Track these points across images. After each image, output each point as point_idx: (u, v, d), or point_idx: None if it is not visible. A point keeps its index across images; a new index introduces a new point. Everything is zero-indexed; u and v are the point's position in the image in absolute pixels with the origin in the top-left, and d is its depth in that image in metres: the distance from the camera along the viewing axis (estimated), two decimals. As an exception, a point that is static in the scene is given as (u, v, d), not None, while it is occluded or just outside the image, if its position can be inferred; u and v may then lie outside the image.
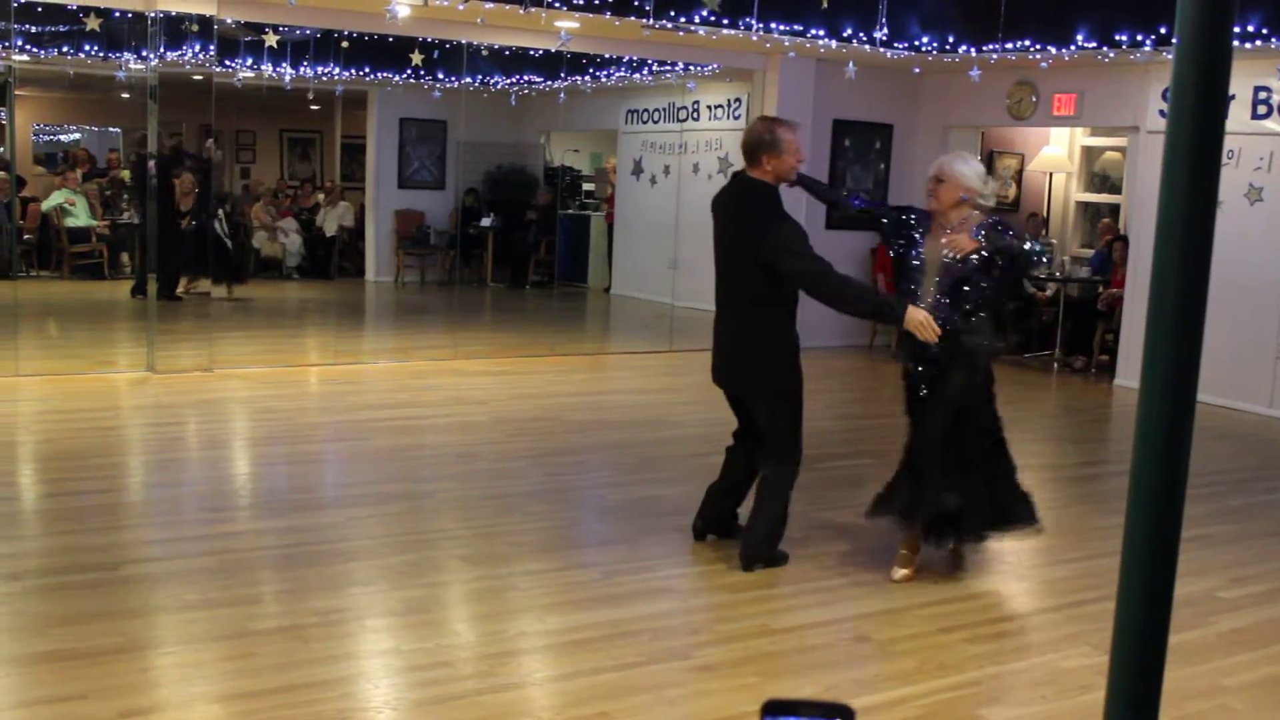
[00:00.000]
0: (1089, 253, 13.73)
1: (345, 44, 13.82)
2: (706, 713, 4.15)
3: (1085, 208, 14.62)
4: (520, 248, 17.73)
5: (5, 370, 9.68)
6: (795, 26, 10.61)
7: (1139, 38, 10.07)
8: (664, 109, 15.92)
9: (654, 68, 14.02)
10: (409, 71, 14.88)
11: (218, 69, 11.86)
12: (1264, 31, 9.29)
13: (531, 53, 13.39)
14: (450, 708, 4.06)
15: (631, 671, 4.42)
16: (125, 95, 15.64)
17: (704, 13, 9.92)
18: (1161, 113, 10.99)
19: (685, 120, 15.36)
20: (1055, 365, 12.53)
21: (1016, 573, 5.88)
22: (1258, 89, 10.19)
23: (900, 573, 5.54)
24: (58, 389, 9.25)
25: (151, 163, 10.59)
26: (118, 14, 10.74)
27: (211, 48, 10.51)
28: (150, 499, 6.57)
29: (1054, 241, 13.83)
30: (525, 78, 15.57)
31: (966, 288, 5.36)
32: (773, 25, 10.44)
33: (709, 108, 15.04)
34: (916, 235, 5.47)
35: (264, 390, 9.58)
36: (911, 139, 13.34)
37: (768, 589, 5.36)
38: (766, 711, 1.19)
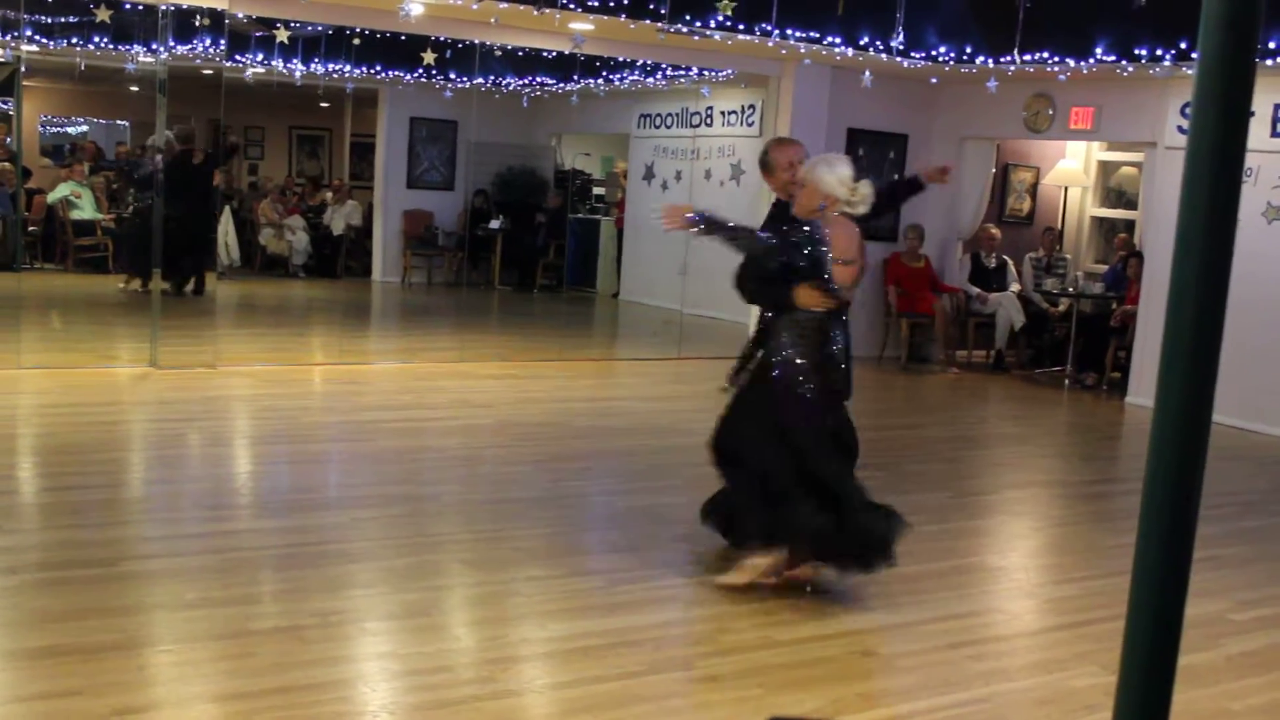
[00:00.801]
0: (1103, 268, 13.71)
1: (357, 41, 13.86)
2: (708, 724, 4.15)
3: (1100, 223, 14.60)
4: (529, 251, 17.75)
5: (7, 363, 9.70)
6: (812, 33, 10.62)
7: (1159, 52, 10.06)
8: (677, 114, 15.94)
9: (668, 72, 14.04)
10: (420, 70, 14.91)
11: (228, 64, 11.90)
12: (1286, 48, 9.28)
13: (544, 54, 13.41)
14: (449, 713, 4.06)
15: (633, 681, 4.42)
16: (134, 88, 15.68)
17: (720, 17, 9.93)
18: (1181, 129, 10.99)
19: (698, 126, 15.37)
20: (1066, 382, 12.51)
21: (1025, 591, 5.88)
22: (1277, 107, 10.18)
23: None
24: (59, 382, 9.28)
25: (158, 156, 10.62)
26: (128, 6, 10.77)
27: (222, 42, 10.54)
28: (150, 495, 6.58)
29: (1068, 257, 13.83)
30: (538, 79, 15.60)
31: None
32: (789, 31, 10.45)
33: (723, 113, 15.06)
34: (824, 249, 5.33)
35: (268, 388, 9.60)
36: (927, 149, 13.33)
37: (770, 600, 5.35)
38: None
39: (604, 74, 14.84)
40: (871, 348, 13.14)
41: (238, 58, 13.65)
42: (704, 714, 4.22)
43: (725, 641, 4.87)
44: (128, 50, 12.98)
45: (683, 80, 14.38)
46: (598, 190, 19.07)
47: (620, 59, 13.50)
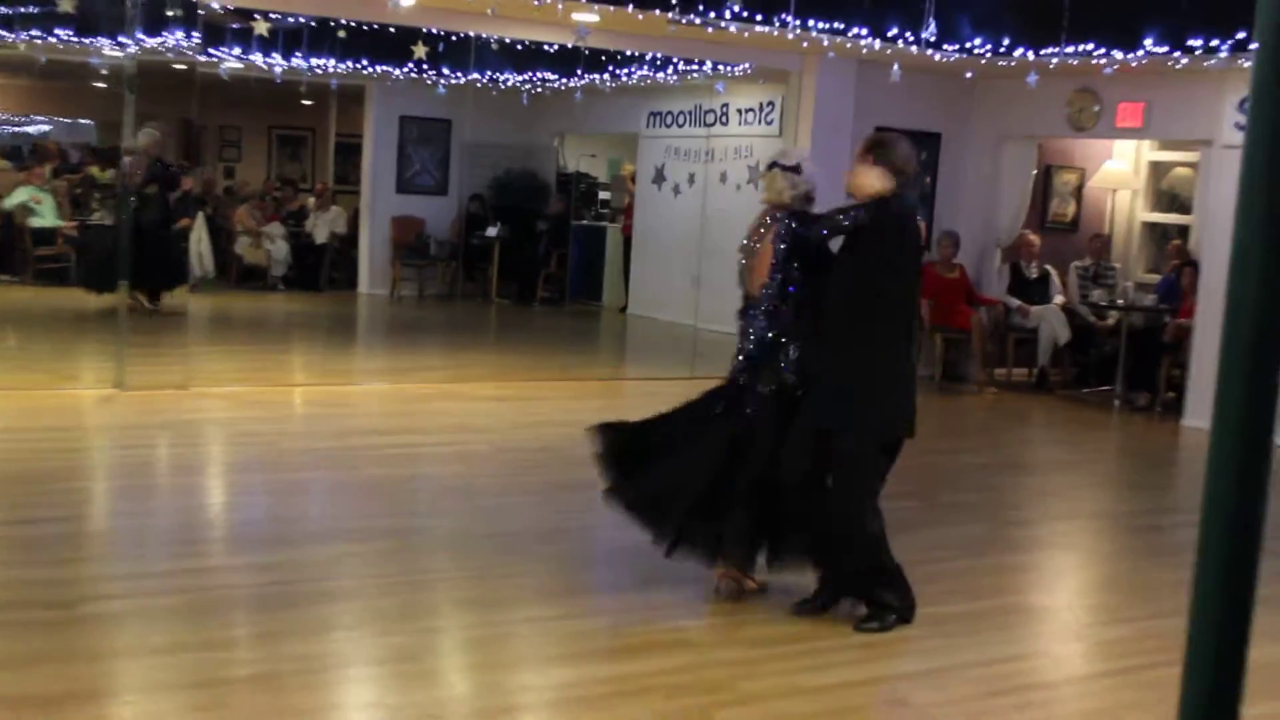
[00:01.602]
0: (1155, 278, 13.69)
1: (342, 34, 13.90)
2: (724, 780, 4.13)
3: (1151, 229, 14.58)
4: (529, 261, 17.76)
5: (-39, 384, 9.73)
6: (835, 24, 10.64)
7: (1214, 43, 10.06)
8: (689, 112, 15.96)
9: (679, 67, 14.06)
10: (411, 66, 14.95)
11: (202, 58, 11.96)
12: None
13: (546, 48, 13.44)
14: (440, 767, 4.04)
15: (641, 732, 4.40)
16: (100, 85, 15.75)
17: (735, 7, 9.95)
18: (1238, 125, 10.97)
19: (713, 125, 15.40)
20: (1116, 403, 12.48)
21: (1071, 632, 5.85)
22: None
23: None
24: (16, 405, 9.29)
25: (127, 159, 10.66)
26: (94, -5, 10.84)
27: (195, 35, 10.59)
28: (115, 529, 6.58)
29: (1117, 266, 13.81)
30: (538, 75, 15.64)
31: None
32: (811, 22, 10.46)
33: (739, 111, 15.09)
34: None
35: (244, 412, 9.61)
36: (961, 150, 13.34)
37: (797, 643, 5.33)
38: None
39: (610, 69, 14.87)
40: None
41: (213, 51, 13.69)
42: (720, 768, 4.20)
43: (744, 689, 4.84)
44: (93, 43, 13.04)
45: (695, 76, 14.41)
46: (603, 195, 19.09)
47: (628, 52, 13.53)
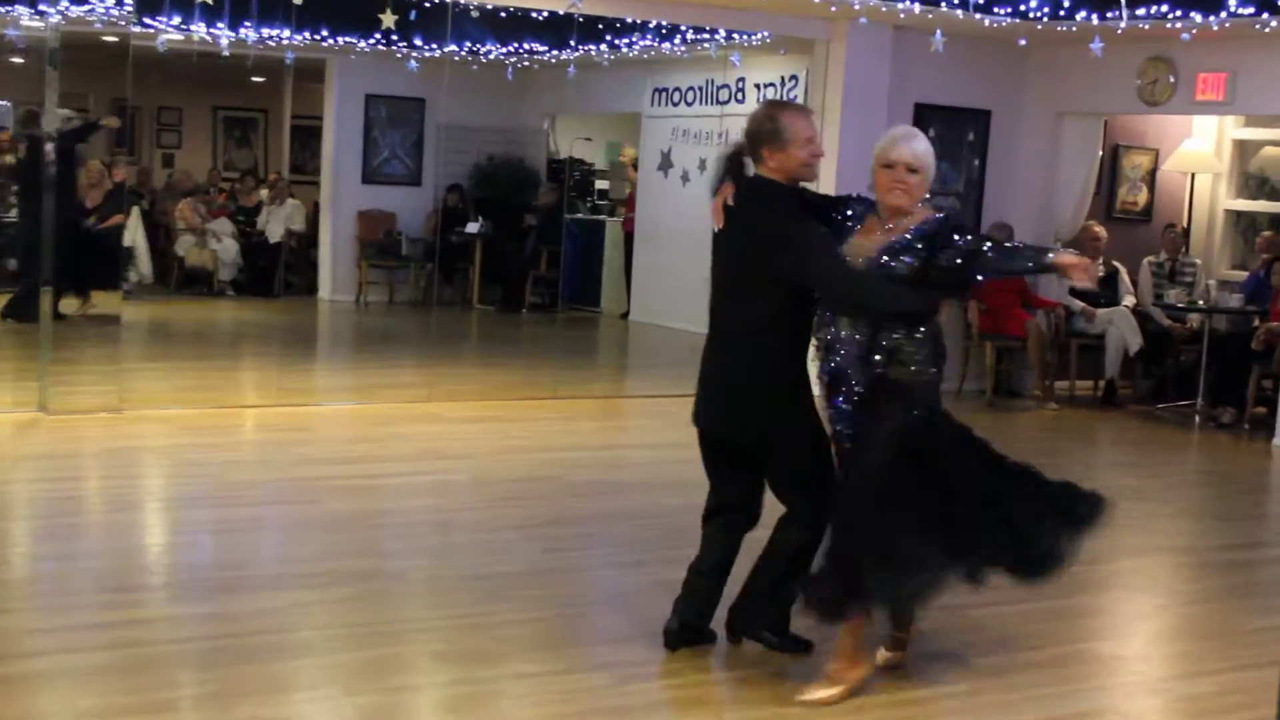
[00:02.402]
0: (1242, 275, 13.67)
1: (298, 1, 13.91)
2: None
3: (1237, 218, 14.58)
4: (515, 261, 17.77)
5: None
6: (868, -16, 10.65)
7: (1307, 3, 10.07)
8: (700, 88, 15.98)
9: (688, 36, 14.08)
10: (378, 37, 14.98)
11: (135, 29, 11.96)
12: None
13: (534, 15, 13.45)
14: None
15: (648, 806, 4.39)
16: (18, 60, 15.77)
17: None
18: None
19: (727, 102, 15.41)
20: (1197, 419, 12.46)
21: (1147, 686, 5.84)
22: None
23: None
24: (-74, 433, 9.30)
25: (49, 146, 10.67)
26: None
27: (128, 3, 10.60)
28: (37, 575, 6.57)
29: (1197, 261, 13.80)
30: (525, 46, 15.66)
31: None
32: (839, -17, 10.47)
33: (757, 86, 15.10)
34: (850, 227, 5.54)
35: (186, 438, 9.60)
36: (1015, 128, 13.33)
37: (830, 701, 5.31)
38: None
39: (608, 39, 14.88)
40: (948, 379, 13.07)
41: (149, 22, 13.71)
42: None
43: (766, 754, 4.84)
44: (8, 12, 13.05)
45: (707, 46, 14.42)
46: (601, 184, 19.11)
47: (628, 20, 13.54)
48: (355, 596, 6.32)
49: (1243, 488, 10.40)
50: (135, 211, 16.23)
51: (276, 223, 17.98)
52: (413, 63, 15.98)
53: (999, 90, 13.28)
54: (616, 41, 14.88)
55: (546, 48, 15.59)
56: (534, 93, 17.75)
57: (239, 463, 9.17)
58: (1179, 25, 10.88)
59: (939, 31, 11.20)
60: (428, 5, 13.09)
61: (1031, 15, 11.25)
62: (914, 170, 5.37)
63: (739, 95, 15.30)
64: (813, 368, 5.54)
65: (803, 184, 5.57)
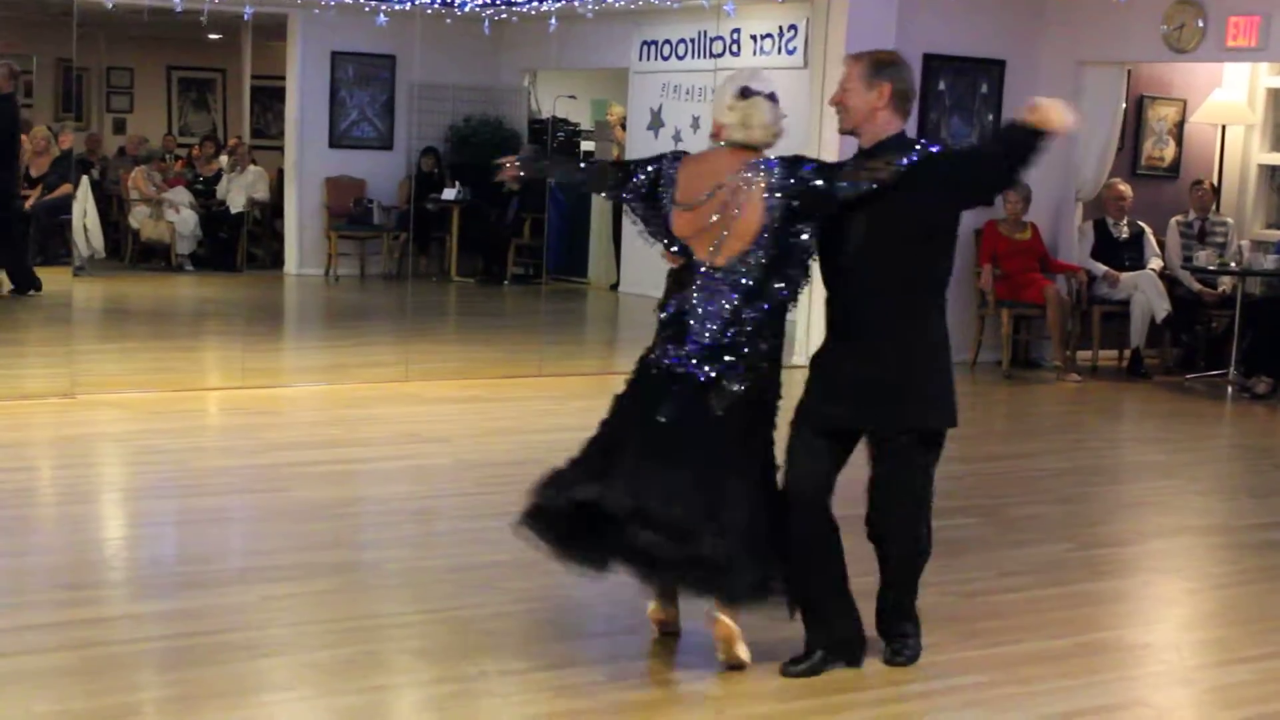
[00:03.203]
0: (1277, 235, 13.69)
1: (257, -49, 13.89)
2: None
3: (1272, 173, 14.59)
4: (496, 230, 17.76)
5: None
6: (871, -74, 10.63)
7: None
8: (692, 40, 15.95)
9: (679, -17, 14.05)
10: (344, -12, 14.93)
11: (83, -15, 11.91)
12: None
13: (511, -37, 13.43)
14: None
15: (646, 809, 4.43)
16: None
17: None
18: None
19: (721, 55, 15.38)
20: (1230, 390, 12.50)
21: (1178, 675, 5.87)
22: None
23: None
24: None
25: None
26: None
27: (74, -44, 10.56)
28: (-10, 572, 6.58)
29: (1229, 220, 13.81)
30: (503, -2, 15.63)
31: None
32: (841, -75, 10.46)
33: (753, 39, 15.08)
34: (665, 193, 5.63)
35: (146, 424, 9.61)
36: (1031, 81, 13.31)
37: (835, 695, 5.34)
38: None
39: (592, -13, 14.86)
40: (960, 349, 13.10)
41: (95, -24, 13.67)
42: None
43: (771, 753, 4.87)
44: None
45: (699, -6, 14.41)
46: (587, 145, 19.06)
47: (613, -33, 13.51)
48: (329, 590, 6.34)
49: (1279, 462, 10.43)
50: (84, 181, 16.19)
51: (238, 191, 17.91)
52: (382, 17, 15.92)
53: (1014, 39, 13.27)
54: (601, -9, 14.86)
55: (526, -1, 15.57)
56: (513, 48, 17.71)
57: (202, 449, 9.17)
58: (1206, -34, 10.89)
59: (948, -24, 11.20)
60: (397, -46, 13.07)
61: (1048, -43, 11.25)
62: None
63: (733, 48, 15.27)
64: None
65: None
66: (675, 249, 5.61)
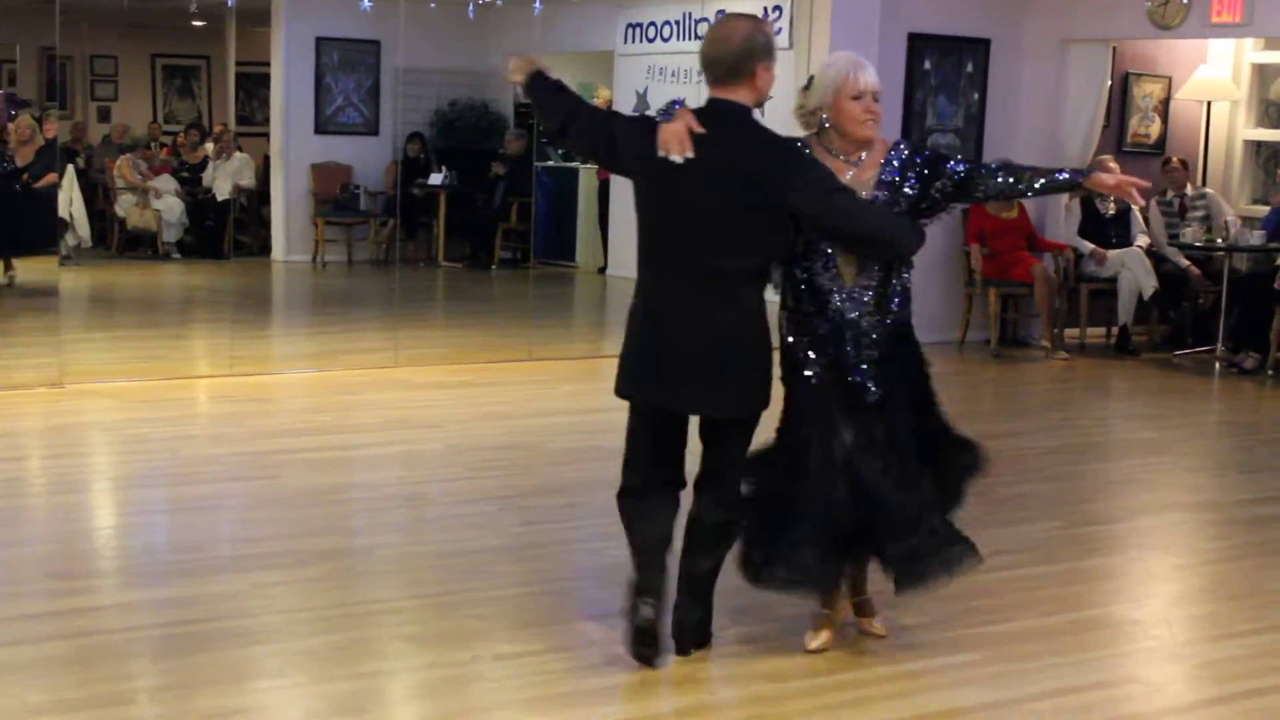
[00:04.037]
0: (1263, 210, 13.70)
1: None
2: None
3: (1257, 149, 14.59)
4: (483, 214, 17.74)
5: None
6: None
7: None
8: (677, 23, 15.92)
9: (663, -35, 14.02)
10: (328, -26, 14.89)
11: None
12: None
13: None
14: (393, 843, 4.07)
15: (641, 791, 4.43)
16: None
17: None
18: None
19: (706, 37, 15.34)
20: (1218, 366, 12.52)
21: (1169, 652, 5.88)
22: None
23: (821, 638, 5.57)
24: None
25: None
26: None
27: (57, -56, 10.52)
28: (-19, 563, 6.58)
29: (1207, 191, 13.80)
30: (487, -19, 15.58)
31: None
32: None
33: (739, 19, 15.03)
34: None
35: (135, 413, 9.60)
36: (1016, 59, 13.32)
37: (825, 675, 5.35)
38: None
39: (576, -30, 14.82)
40: (948, 328, 13.12)
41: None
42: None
43: (764, 733, 4.88)
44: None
45: (683, -25, 14.38)
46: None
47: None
48: (321, 577, 6.34)
49: (1268, 438, 10.45)
50: (70, 170, 16.15)
51: (224, 179, 17.88)
52: (366, 2, 15.88)
53: (998, 17, 13.27)
54: (586, -26, 14.83)
55: (510, -18, 15.52)
56: (498, 32, 17.66)
57: (192, 437, 9.16)
58: (1190, -58, 10.89)
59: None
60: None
61: (1032, -65, 11.24)
62: (879, 98, 5.41)
63: (719, 29, 15.21)
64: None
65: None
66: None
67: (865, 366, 5.39)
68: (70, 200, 16.20)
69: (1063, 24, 13.18)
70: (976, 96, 13.27)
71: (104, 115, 20.18)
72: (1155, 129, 14.56)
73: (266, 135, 18.23)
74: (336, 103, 17.70)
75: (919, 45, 12.87)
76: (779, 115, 6.33)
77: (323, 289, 16.79)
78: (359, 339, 13.07)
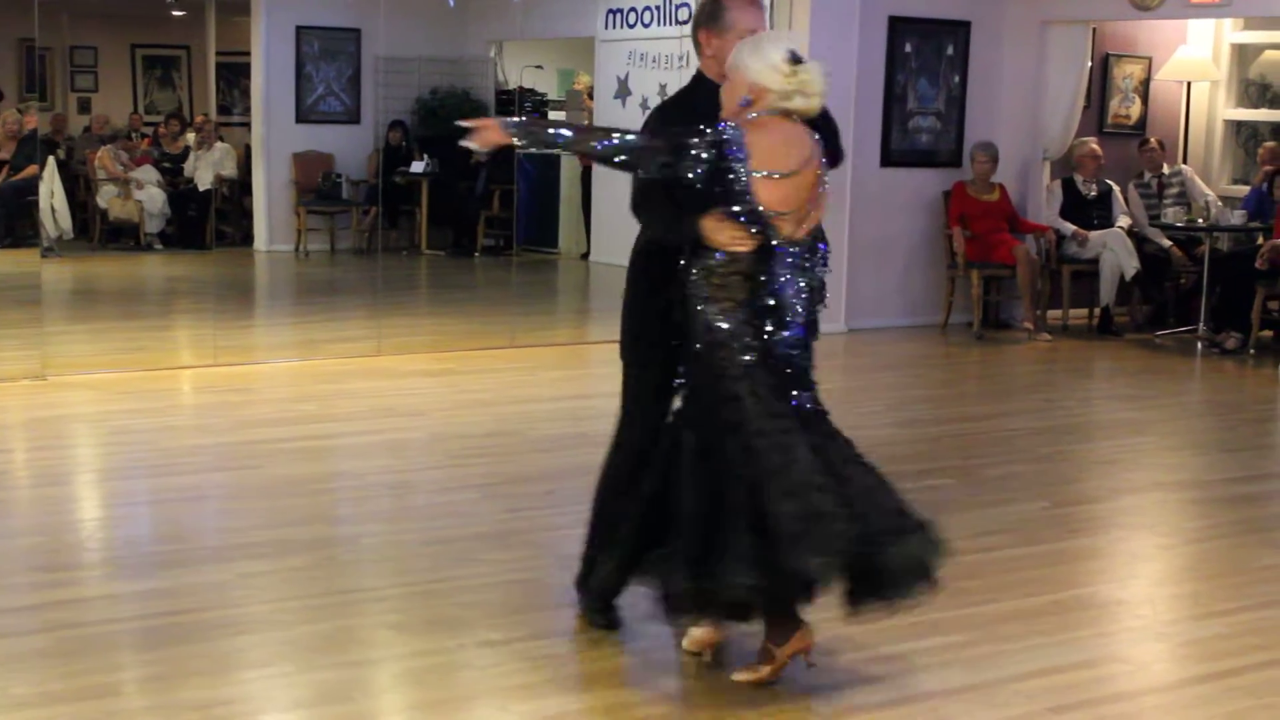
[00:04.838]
0: (1244, 190, 13.73)
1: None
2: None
3: (1238, 129, 14.62)
4: (466, 202, 17.72)
5: None
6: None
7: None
8: (658, 8, 15.90)
9: (643, -50, 14.00)
10: (307, -38, 14.85)
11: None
12: None
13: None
14: (380, 831, 4.07)
15: (627, 776, 4.44)
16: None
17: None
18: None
19: (687, 22, 15.31)
20: (1199, 346, 12.55)
21: (1153, 631, 5.90)
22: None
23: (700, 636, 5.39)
24: None
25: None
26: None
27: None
28: (-36, 556, 6.56)
29: (1182, 168, 13.82)
30: (467, -32, 15.54)
31: None
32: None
33: (719, 3, 15.01)
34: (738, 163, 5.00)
35: (118, 404, 9.58)
36: (996, 41, 13.33)
37: (814, 658, 5.35)
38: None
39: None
40: (932, 311, 13.14)
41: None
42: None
43: (748, 718, 4.87)
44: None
45: (664, -40, 14.36)
46: (555, 115, 19.00)
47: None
48: (306, 566, 6.33)
49: (1249, 417, 10.48)
50: (51, 162, 16.10)
51: (205, 169, 17.83)
52: (346, -11, 15.86)
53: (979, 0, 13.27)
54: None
55: (490, -31, 15.49)
56: (478, 18, 17.63)
57: (176, 428, 9.15)
58: (1169, -77, 10.90)
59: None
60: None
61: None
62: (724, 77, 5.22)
63: (700, 14, 15.20)
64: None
65: None
66: (755, 228, 4.97)
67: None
68: (51, 192, 16.15)
69: (1042, 6, 13.19)
70: (957, 79, 13.27)
71: (84, 106, 20.10)
72: (1136, 110, 14.57)
73: (248, 125, 18.17)
74: (317, 91, 17.67)
75: (900, 28, 12.86)
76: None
77: (305, 278, 16.76)
78: (342, 328, 13.06)
